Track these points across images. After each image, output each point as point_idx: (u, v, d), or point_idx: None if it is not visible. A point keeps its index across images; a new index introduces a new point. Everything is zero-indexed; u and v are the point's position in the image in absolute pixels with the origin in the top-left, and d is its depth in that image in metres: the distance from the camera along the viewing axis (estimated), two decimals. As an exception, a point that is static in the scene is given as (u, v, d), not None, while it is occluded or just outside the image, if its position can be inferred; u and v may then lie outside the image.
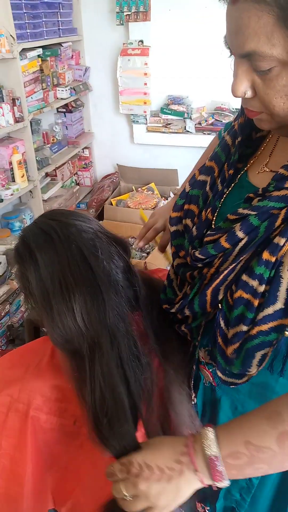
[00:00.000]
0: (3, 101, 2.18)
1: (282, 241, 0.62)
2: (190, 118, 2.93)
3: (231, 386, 0.74)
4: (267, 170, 0.76)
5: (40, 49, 2.45)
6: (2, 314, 2.14)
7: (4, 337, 2.20)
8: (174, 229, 0.87)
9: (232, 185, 0.80)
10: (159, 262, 2.71)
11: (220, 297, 0.71)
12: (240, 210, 0.69)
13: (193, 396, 0.90)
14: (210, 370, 0.83)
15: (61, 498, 0.81)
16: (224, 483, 0.60)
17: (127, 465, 0.63)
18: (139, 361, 0.74)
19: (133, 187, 3.23)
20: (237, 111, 0.86)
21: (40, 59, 2.49)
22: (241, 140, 0.79)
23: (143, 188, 3.17)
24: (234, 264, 0.68)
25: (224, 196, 0.80)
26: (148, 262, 2.40)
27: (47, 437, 0.77)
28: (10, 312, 2.23)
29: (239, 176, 0.80)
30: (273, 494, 0.87)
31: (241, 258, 0.67)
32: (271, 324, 0.64)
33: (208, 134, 2.88)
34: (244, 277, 0.66)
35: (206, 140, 2.87)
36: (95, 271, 0.71)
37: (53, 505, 0.82)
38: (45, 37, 2.50)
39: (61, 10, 2.66)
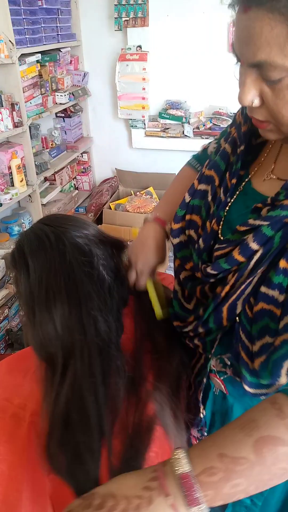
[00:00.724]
0: (2, 106, 2.18)
1: None
2: (188, 122, 2.94)
3: (261, 397, 0.71)
4: (274, 177, 0.74)
5: (39, 55, 2.46)
6: (1, 318, 2.14)
7: (3, 341, 2.20)
8: (178, 240, 0.84)
9: (237, 193, 0.78)
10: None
11: (238, 311, 0.70)
12: (251, 221, 0.67)
13: (201, 409, 0.88)
14: (222, 378, 0.82)
15: (60, 503, 0.81)
16: (200, 508, 0.51)
17: (88, 498, 0.55)
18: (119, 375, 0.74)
19: (132, 191, 3.23)
20: (233, 115, 0.85)
21: (39, 64, 2.50)
22: (243, 148, 0.77)
23: (142, 192, 3.17)
24: (251, 278, 0.66)
25: (229, 205, 0.78)
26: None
27: (45, 442, 0.77)
28: (9, 316, 2.23)
29: (243, 184, 0.78)
30: (285, 497, 0.85)
31: (258, 271, 0.66)
32: None
33: (206, 138, 2.89)
34: (263, 289, 0.65)
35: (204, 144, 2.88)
36: (79, 281, 0.71)
37: (52, 510, 0.82)
38: (44, 43, 2.52)
39: (60, 16, 2.68)
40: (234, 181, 0.77)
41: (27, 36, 2.33)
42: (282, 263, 0.63)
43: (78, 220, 0.82)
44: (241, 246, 0.67)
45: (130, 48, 2.84)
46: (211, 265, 0.72)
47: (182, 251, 0.84)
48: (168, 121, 2.98)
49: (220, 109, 2.91)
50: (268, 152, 0.78)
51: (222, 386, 0.82)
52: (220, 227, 0.77)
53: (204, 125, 2.90)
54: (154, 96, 3.01)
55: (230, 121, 2.81)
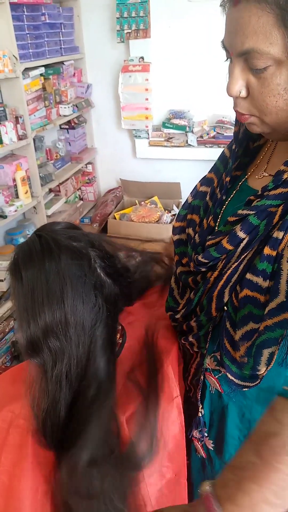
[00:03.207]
0: (7, 119, 2.21)
1: (280, 234, 0.64)
2: (192, 131, 2.96)
3: (244, 389, 0.74)
4: (266, 174, 0.78)
5: (43, 68, 2.50)
6: (7, 330, 2.15)
7: (9, 353, 2.20)
8: (177, 237, 0.90)
9: (234, 192, 0.82)
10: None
11: (226, 299, 0.72)
12: (239, 211, 0.72)
13: (200, 408, 0.90)
14: (216, 376, 0.84)
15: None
16: None
17: None
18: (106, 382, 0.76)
19: (136, 201, 3.24)
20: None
21: (42, 77, 2.54)
22: (238, 150, 0.81)
23: (147, 201, 3.18)
24: (236, 264, 0.70)
25: (226, 203, 0.82)
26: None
27: (47, 452, 0.77)
28: (15, 328, 2.23)
29: (240, 183, 0.82)
30: None
31: (243, 256, 0.69)
32: (275, 319, 0.64)
33: (210, 147, 2.90)
34: (248, 275, 0.68)
35: (208, 153, 2.89)
36: (70, 288, 0.72)
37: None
38: (47, 56, 2.56)
39: (63, 30, 2.72)
40: (228, 179, 0.81)
41: (30, 51, 2.36)
42: (266, 250, 0.65)
43: (72, 225, 0.83)
44: (229, 235, 0.71)
45: (133, 60, 2.87)
46: (202, 254, 0.76)
47: (180, 248, 0.89)
48: (171, 131, 3.00)
49: (223, 117, 2.92)
50: (264, 154, 0.81)
51: (217, 385, 0.84)
52: (217, 223, 0.81)
53: (207, 134, 2.91)
54: (157, 106, 3.03)
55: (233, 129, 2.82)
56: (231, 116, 2.91)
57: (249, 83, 0.63)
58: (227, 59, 0.66)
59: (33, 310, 0.72)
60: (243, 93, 0.65)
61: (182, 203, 3.20)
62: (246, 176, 0.82)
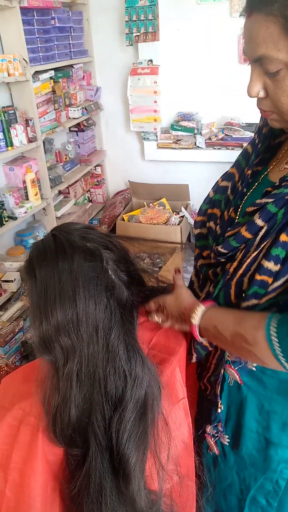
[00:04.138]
0: (17, 122, 2.24)
1: None
2: (200, 133, 2.96)
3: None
4: (286, 167, 0.81)
5: (52, 71, 2.53)
6: (16, 330, 2.17)
7: (18, 353, 2.21)
8: (198, 231, 0.95)
9: (254, 186, 0.85)
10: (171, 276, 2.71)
11: (245, 287, 0.76)
12: (258, 201, 0.76)
13: (219, 404, 0.92)
14: (236, 368, 0.86)
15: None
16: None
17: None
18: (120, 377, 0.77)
19: (145, 202, 3.26)
20: (246, 125, 0.94)
21: (52, 80, 2.56)
22: (261, 145, 0.87)
23: (155, 203, 3.19)
24: (256, 253, 0.73)
25: (247, 196, 0.85)
26: (161, 276, 2.40)
27: (56, 448, 0.78)
28: (24, 328, 2.25)
29: (261, 177, 0.86)
30: None
31: (262, 245, 0.72)
32: (278, 291, 0.72)
33: (218, 149, 2.90)
34: (262, 261, 0.72)
35: (216, 155, 2.90)
36: (78, 292, 0.73)
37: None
38: (57, 60, 2.58)
39: (72, 33, 2.74)
40: (249, 172, 0.85)
41: (40, 54, 2.39)
42: (283, 237, 0.69)
43: (86, 226, 0.84)
44: (248, 223, 0.76)
45: (142, 63, 2.89)
46: (222, 244, 0.80)
47: (200, 241, 0.94)
48: (180, 133, 3.01)
49: (232, 119, 2.92)
50: (285, 149, 0.85)
51: (237, 376, 0.86)
52: (238, 215, 0.84)
53: (216, 136, 2.91)
54: (166, 109, 3.04)
55: (242, 131, 2.82)
56: (240, 118, 2.92)
57: (266, 85, 0.70)
58: (249, 63, 0.73)
59: (45, 308, 0.73)
60: (261, 94, 0.72)
61: (191, 204, 3.21)
62: (267, 171, 0.86)
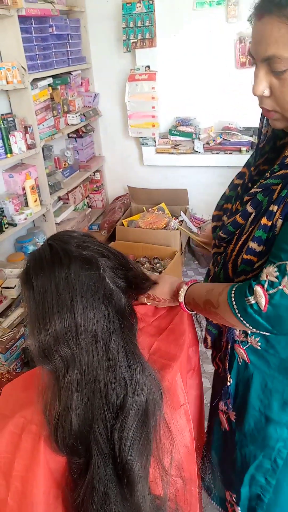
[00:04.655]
0: (16, 129, 2.25)
1: (275, 208, 0.78)
2: (198, 138, 2.98)
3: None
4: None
5: (51, 78, 2.54)
6: (17, 337, 2.17)
7: (19, 359, 2.21)
8: (214, 224, 1.06)
9: (259, 182, 0.90)
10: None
11: (239, 268, 0.85)
12: (251, 191, 0.85)
13: (228, 377, 0.99)
14: (244, 347, 0.94)
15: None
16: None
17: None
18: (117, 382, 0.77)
19: (144, 207, 3.26)
20: (244, 130, 1.00)
21: (50, 87, 2.58)
22: (265, 146, 0.93)
23: (154, 208, 3.20)
24: (246, 235, 0.83)
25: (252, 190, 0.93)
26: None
27: (59, 456, 0.78)
28: (25, 335, 2.25)
29: (266, 175, 0.90)
30: None
31: (250, 229, 0.82)
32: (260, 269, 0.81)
33: (216, 153, 2.92)
34: (249, 243, 0.82)
35: (214, 159, 2.91)
36: (76, 301, 0.73)
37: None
38: (55, 67, 2.60)
39: (70, 41, 2.76)
40: (252, 169, 0.94)
41: (38, 62, 2.41)
42: (263, 220, 0.79)
43: (83, 234, 0.84)
44: (242, 211, 0.86)
45: (139, 69, 2.90)
46: (222, 230, 0.91)
47: (215, 233, 1.02)
48: (178, 138, 3.02)
49: (229, 124, 2.94)
50: None
51: (244, 355, 0.94)
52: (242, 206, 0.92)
53: (214, 141, 2.93)
54: (164, 114, 3.06)
55: (240, 135, 2.84)
56: (237, 122, 2.93)
57: (271, 84, 0.74)
58: (253, 64, 0.77)
59: (43, 318, 0.73)
60: (266, 93, 0.75)
61: (190, 209, 3.22)
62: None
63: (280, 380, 0.92)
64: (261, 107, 0.80)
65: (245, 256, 0.82)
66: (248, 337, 0.93)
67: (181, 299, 0.97)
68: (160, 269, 2.66)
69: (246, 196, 0.86)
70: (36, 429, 0.78)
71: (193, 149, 2.97)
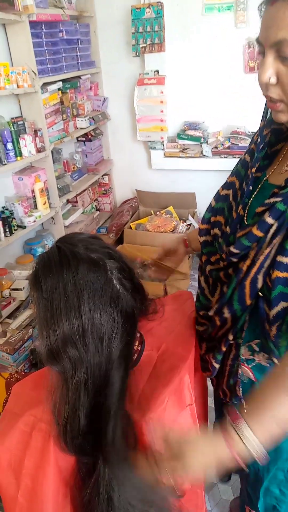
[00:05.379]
0: (26, 133, 2.27)
1: None
2: (207, 142, 2.98)
3: None
4: (287, 169, 0.83)
5: (60, 83, 2.57)
6: (25, 338, 2.18)
7: (28, 360, 2.23)
8: (204, 239, 0.98)
9: (256, 191, 0.87)
10: (180, 285, 2.72)
11: (260, 285, 0.77)
12: (267, 201, 0.78)
13: (238, 392, 0.94)
14: (250, 366, 0.87)
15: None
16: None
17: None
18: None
19: (152, 211, 3.27)
20: (253, 134, 0.95)
21: (60, 91, 2.60)
22: (262, 148, 0.89)
23: (162, 211, 3.21)
24: (268, 249, 0.75)
25: (254, 194, 0.87)
26: (168, 284, 2.41)
27: (68, 455, 0.79)
28: (33, 336, 2.26)
29: (261, 184, 0.87)
30: None
31: (274, 241, 0.74)
32: None
33: (225, 157, 2.92)
34: (278, 258, 0.73)
35: (222, 163, 2.91)
36: (83, 303, 0.74)
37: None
38: (65, 71, 2.62)
39: (80, 45, 2.79)
40: (254, 169, 0.88)
41: (48, 66, 2.43)
42: None
43: (90, 236, 0.85)
44: (259, 222, 0.77)
45: (148, 73, 2.92)
46: (234, 245, 0.82)
47: (207, 248, 0.96)
48: (186, 142, 3.03)
49: (238, 128, 2.94)
50: (283, 156, 0.87)
51: (250, 374, 0.88)
52: (246, 215, 0.86)
53: (222, 145, 2.94)
54: (172, 118, 3.07)
55: (248, 139, 2.84)
56: (246, 127, 2.94)
57: (278, 71, 0.71)
58: (259, 53, 0.75)
59: (52, 320, 0.74)
60: (273, 80, 0.73)
61: (198, 212, 3.21)
62: (266, 177, 0.88)
63: None
64: (265, 96, 0.77)
65: (280, 274, 0.72)
66: (256, 354, 0.87)
67: (260, 453, 0.70)
68: (167, 272, 2.66)
69: (260, 206, 0.79)
70: (46, 427, 0.79)
71: (202, 153, 2.98)
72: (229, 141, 2.93)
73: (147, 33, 2.78)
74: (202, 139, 2.97)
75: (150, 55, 2.88)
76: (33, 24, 2.24)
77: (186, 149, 3.04)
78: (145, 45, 2.82)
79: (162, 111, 2.98)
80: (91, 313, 0.74)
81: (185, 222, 3.10)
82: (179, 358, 0.95)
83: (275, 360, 0.78)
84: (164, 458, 0.72)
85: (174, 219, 3.09)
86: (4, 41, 2.22)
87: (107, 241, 0.86)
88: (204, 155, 2.97)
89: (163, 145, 3.11)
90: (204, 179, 3.11)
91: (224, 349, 0.90)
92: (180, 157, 3.05)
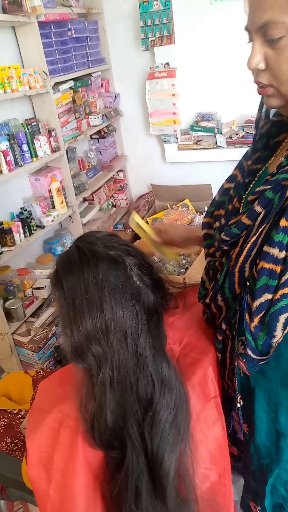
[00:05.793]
0: (40, 133, 2.29)
1: None
2: (221, 133, 2.95)
3: (261, 363, 0.78)
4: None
5: (72, 81, 2.58)
6: (49, 335, 2.21)
7: (52, 358, 2.26)
8: (205, 232, 0.97)
9: (254, 181, 0.86)
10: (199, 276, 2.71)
11: (247, 274, 0.76)
12: (257, 189, 0.76)
13: (238, 398, 0.94)
14: (244, 360, 0.87)
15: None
16: None
17: None
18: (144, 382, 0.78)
19: (168, 204, 3.27)
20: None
21: (72, 90, 2.62)
22: (259, 141, 0.88)
23: (178, 205, 3.20)
24: (255, 237, 0.74)
25: (250, 187, 0.86)
26: (187, 277, 2.41)
27: (96, 450, 0.80)
28: (57, 334, 2.30)
29: (258, 174, 0.87)
30: None
31: (260, 229, 0.73)
32: None
33: (239, 147, 2.89)
34: (265, 248, 0.72)
35: (238, 153, 2.88)
36: (108, 297, 0.75)
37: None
38: (76, 70, 2.63)
39: (89, 43, 2.79)
40: (249, 162, 0.88)
41: (59, 65, 2.44)
42: (283, 222, 0.69)
43: (108, 234, 0.86)
44: (248, 211, 0.77)
45: (158, 66, 2.91)
46: (225, 232, 0.82)
47: (207, 241, 0.96)
48: (200, 133, 3.01)
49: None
50: (281, 148, 0.86)
51: (245, 368, 0.87)
52: (242, 205, 0.85)
53: (236, 134, 2.90)
54: (185, 110, 3.05)
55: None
56: (260, 115, 2.89)
57: (266, 56, 0.71)
58: (249, 41, 0.74)
59: (75, 319, 0.75)
60: (261, 66, 0.72)
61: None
62: (265, 167, 0.87)
63: (284, 395, 0.85)
64: (256, 83, 0.76)
65: (265, 265, 0.71)
66: (247, 350, 0.85)
67: None
68: (186, 266, 2.66)
69: (251, 195, 0.78)
70: (74, 423, 0.81)
71: (216, 144, 2.96)
72: (243, 131, 2.90)
73: (155, 26, 2.76)
74: (215, 130, 2.94)
75: (160, 48, 2.86)
76: (42, 25, 2.25)
77: (200, 140, 3.02)
78: (154, 38, 2.80)
79: (174, 104, 2.96)
80: (113, 310, 0.75)
81: (202, 214, 3.08)
82: (201, 351, 0.95)
83: (249, 351, 0.77)
84: None
85: (191, 211, 3.08)
86: (14, 43, 2.24)
87: (124, 237, 0.87)
88: (219, 146, 2.94)
89: (177, 138, 3.10)
90: (220, 170, 3.06)
91: (220, 337, 0.90)
92: (194, 149, 3.03)
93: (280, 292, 0.70)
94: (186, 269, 2.62)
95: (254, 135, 0.90)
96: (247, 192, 0.86)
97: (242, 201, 0.86)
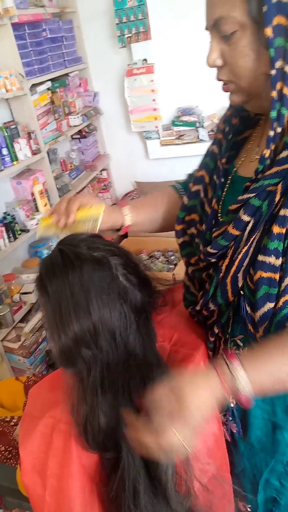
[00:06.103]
0: (19, 136, 2.27)
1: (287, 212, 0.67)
2: (202, 126, 2.95)
3: None
4: (258, 157, 0.79)
5: (49, 82, 2.55)
6: (40, 340, 2.20)
7: (44, 362, 2.25)
8: (181, 240, 0.93)
9: (227, 186, 0.84)
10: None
11: (240, 283, 0.74)
12: (240, 198, 0.74)
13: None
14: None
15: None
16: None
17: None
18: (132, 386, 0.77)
19: (154, 201, 3.26)
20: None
21: (49, 91, 2.59)
22: (231, 136, 0.87)
23: (164, 201, 3.19)
24: (246, 247, 0.72)
25: (226, 187, 0.84)
26: (176, 273, 2.41)
27: (90, 453, 0.79)
28: (47, 338, 2.28)
29: (230, 176, 0.85)
30: None
31: (251, 239, 0.71)
32: None
33: (221, 140, 2.89)
34: (260, 257, 0.70)
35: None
36: (91, 303, 0.73)
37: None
38: (52, 70, 2.61)
39: (65, 42, 2.77)
40: (224, 160, 0.85)
41: (35, 67, 2.42)
42: (276, 229, 0.68)
43: (91, 235, 0.85)
44: (234, 220, 0.74)
45: (136, 63, 2.89)
46: (211, 245, 0.79)
47: (186, 249, 0.92)
48: (182, 128, 3.00)
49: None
50: (251, 144, 0.85)
51: None
52: (220, 207, 0.83)
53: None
54: (165, 106, 3.04)
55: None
56: (240, 107, 2.90)
57: (223, 52, 0.73)
58: (211, 40, 0.75)
59: (61, 323, 0.74)
60: (219, 62, 0.74)
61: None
62: (235, 168, 0.85)
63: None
64: (218, 80, 0.78)
65: (263, 275, 0.69)
66: (240, 350, 0.84)
67: (247, 393, 0.64)
68: (175, 262, 2.66)
69: (233, 204, 0.75)
70: (66, 427, 0.80)
71: (198, 138, 2.95)
72: (224, 123, 2.90)
73: (131, 22, 2.75)
74: (197, 123, 2.94)
75: (137, 45, 2.84)
76: (16, 26, 2.23)
77: (182, 135, 3.01)
78: (130, 34, 2.79)
79: (154, 100, 2.95)
80: (100, 312, 0.74)
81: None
82: (192, 346, 0.94)
83: None
84: (164, 413, 0.64)
85: (177, 207, 3.07)
86: (-12, 46, 2.21)
87: (111, 237, 0.86)
88: (201, 140, 2.94)
89: (159, 134, 3.09)
90: (203, 164, 3.08)
91: (211, 339, 0.89)
92: (177, 144, 3.03)
93: (282, 299, 0.69)
94: (175, 265, 2.62)
95: (226, 132, 0.87)
96: (224, 193, 0.85)
97: (220, 207, 0.84)
